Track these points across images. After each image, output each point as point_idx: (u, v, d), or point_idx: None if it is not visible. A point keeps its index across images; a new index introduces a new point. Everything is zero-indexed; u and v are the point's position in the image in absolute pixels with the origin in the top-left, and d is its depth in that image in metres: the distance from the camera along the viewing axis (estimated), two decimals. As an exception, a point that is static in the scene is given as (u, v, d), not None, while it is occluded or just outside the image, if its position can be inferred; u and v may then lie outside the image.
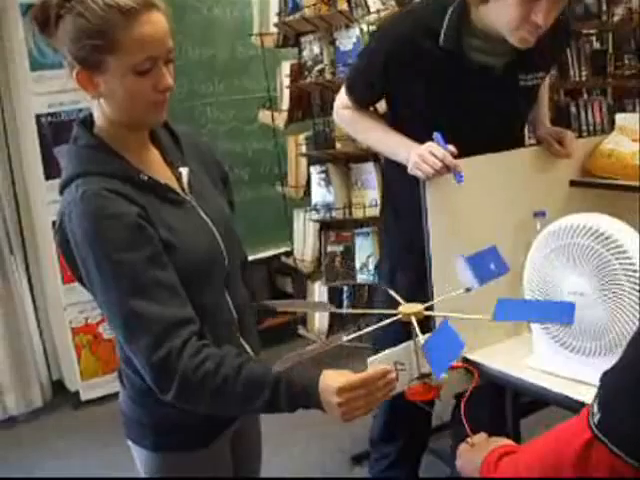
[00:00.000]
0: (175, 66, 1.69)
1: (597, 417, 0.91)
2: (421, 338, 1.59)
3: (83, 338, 4.59)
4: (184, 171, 1.81)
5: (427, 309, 1.68)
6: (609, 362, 1.92)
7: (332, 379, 1.56)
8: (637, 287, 1.84)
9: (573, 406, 1.91)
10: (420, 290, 2.19)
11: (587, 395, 1.92)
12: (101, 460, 3.89)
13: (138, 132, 1.76)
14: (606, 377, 0.96)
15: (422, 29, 2.39)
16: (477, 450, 1.43)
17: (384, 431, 3.07)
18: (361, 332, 1.67)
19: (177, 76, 1.70)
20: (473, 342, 2.06)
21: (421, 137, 2.31)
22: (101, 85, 1.63)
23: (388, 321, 1.66)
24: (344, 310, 1.49)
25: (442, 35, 2.34)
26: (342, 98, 2.65)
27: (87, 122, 1.74)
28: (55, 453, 4.08)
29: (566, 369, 2.04)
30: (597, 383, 1.93)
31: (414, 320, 1.63)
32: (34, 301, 4.69)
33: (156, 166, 1.78)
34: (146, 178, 1.70)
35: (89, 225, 1.59)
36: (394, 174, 2.62)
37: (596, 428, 0.91)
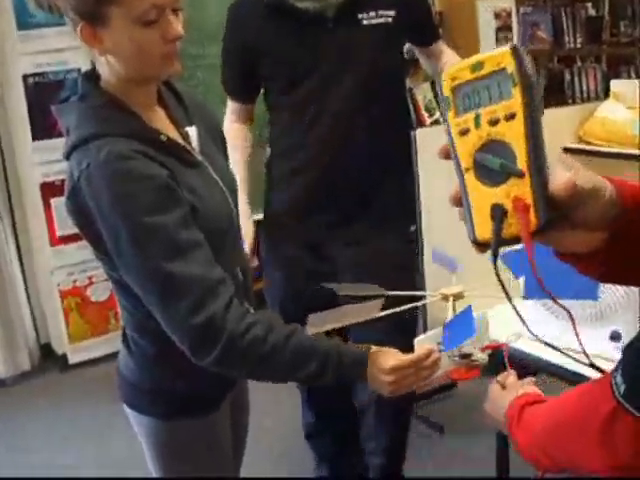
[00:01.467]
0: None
1: (622, 388, 0.91)
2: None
3: (71, 301, 4.56)
4: (192, 131, 1.75)
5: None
6: (600, 330, 1.93)
7: (383, 358, 1.59)
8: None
9: (564, 375, 1.90)
10: None
11: (578, 365, 1.92)
12: (88, 423, 3.87)
13: (148, 88, 1.68)
14: (630, 349, 0.95)
15: None
16: (504, 396, 1.41)
17: (313, 426, 3.00)
18: (396, 310, 1.65)
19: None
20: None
21: (289, 124, 2.35)
22: (106, 40, 1.55)
23: (426, 301, 1.74)
24: (387, 312, 1.48)
25: None
26: (228, 107, 2.64)
27: (92, 78, 1.66)
28: (43, 416, 4.05)
29: (558, 337, 2.02)
30: (590, 351, 1.94)
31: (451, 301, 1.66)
32: (22, 264, 4.65)
33: (164, 124, 1.71)
34: (165, 139, 1.63)
35: (117, 188, 1.52)
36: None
37: (622, 398, 0.91)
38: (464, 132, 0.81)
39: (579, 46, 5.97)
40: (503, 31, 4.81)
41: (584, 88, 5.95)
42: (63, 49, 4.05)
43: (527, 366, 2.08)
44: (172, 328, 1.57)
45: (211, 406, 1.82)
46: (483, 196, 0.79)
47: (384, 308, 1.62)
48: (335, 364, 1.57)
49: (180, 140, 1.71)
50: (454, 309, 1.64)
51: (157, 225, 1.52)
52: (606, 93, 2.69)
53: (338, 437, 2.94)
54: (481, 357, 1.66)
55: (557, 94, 5.83)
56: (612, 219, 0.84)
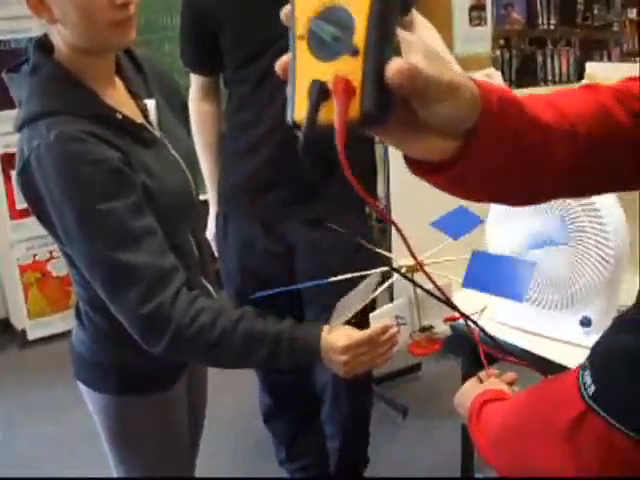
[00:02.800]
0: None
1: (592, 389, 0.84)
2: (420, 291, 1.53)
3: (31, 276, 4.47)
4: (150, 104, 1.68)
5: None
6: (571, 315, 1.91)
7: (336, 337, 1.54)
8: (603, 240, 1.79)
9: (532, 360, 1.87)
10: None
11: (548, 349, 1.89)
12: (47, 399, 3.82)
13: (104, 59, 1.60)
14: (599, 347, 0.88)
15: None
16: (472, 391, 1.36)
17: (270, 409, 2.93)
18: (352, 275, 1.59)
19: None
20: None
21: (246, 99, 2.29)
22: (53, 7, 1.46)
23: (377, 270, 1.61)
24: (345, 276, 1.42)
25: None
26: (192, 84, 2.56)
27: (44, 47, 1.56)
28: (1, 393, 3.98)
29: (526, 322, 2.00)
30: (557, 337, 1.92)
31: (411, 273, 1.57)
32: (-20, 237, 4.55)
33: (122, 98, 1.64)
34: (120, 117, 1.56)
35: (67, 172, 1.45)
36: None
37: (591, 400, 0.84)
38: None
39: (552, 28, 5.95)
40: (477, 10, 4.76)
41: (556, 70, 5.94)
42: (26, 16, 3.95)
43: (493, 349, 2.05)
44: (121, 316, 1.54)
45: (165, 384, 1.78)
46: (311, 71, 0.67)
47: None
48: (286, 347, 1.53)
49: (137, 116, 1.64)
50: (413, 281, 1.55)
51: (107, 211, 1.46)
52: (578, 76, 2.65)
53: (296, 420, 2.90)
54: (444, 329, 1.58)
55: (529, 75, 5.81)
56: (470, 125, 0.73)
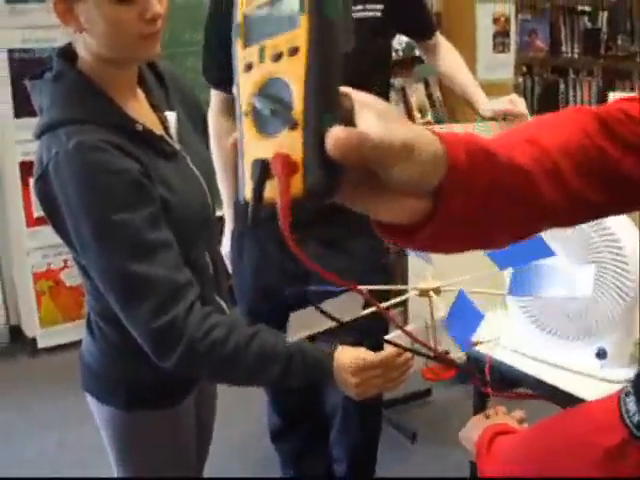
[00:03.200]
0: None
1: (637, 417, 0.82)
2: (437, 316, 1.53)
3: (44, 284, 4.48)
4: (171, 116, 1.68)
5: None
6: (587, 346, 1.88)
7: (349, 357, 1.52)
8: (621, 270, 1.77)
9: (545, 390, 1.85)
10: None
11: (561, 380, 1.87)
12: (55, 409, 3.81)
13: (127, 70, 1.60)
14: None
15: None
16: (479, 425, 1.34)
17: (279, 428, 2.91)
18: (380, 305, 1.55)
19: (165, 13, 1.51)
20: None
21: None
22: (81, 17, 1.46)
23: (403, 298, 1.58)
24: (371, 309, 1.38)
25: None
26: (212, 99, 2.56)
27: (68, 55, 1.57)
28: (9, 401, 3.97)
29: (540, 351, 1.97)
30: (572, 367, 1.89)
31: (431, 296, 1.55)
32: (-3, 243, 4.57)
33: (143, 110, 1.64)
34: (141, 128, 1.55)
35: (85, 181, 1.44)
36: None
37: (636, 428, 0.82)
38: (248, 67, 0.66)
39: (576, 57, 5.94)
40: (500, 36, 4.76)
41: (578, 100, 5.92)
42: (51, 26, 3.99)
43: (506, 378, 2.02)
44: (133, 328, 1.53)
45: (175, 399, 1.77)
46: (256, 149, 0.64)
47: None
48: (299, 366, 1.51)
49: (158, 128, 1.64)
50: (430, 305, 1.54)
51: (123, 223, 1.46)
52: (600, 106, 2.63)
53: (304, 440, 2.88)
54: (459, 355, 1.58)
55: (551, 104, 5.80)
56: (436, 183, 0.68)
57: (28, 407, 3.91)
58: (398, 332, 1.56)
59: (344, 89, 0.68)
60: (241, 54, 0.67)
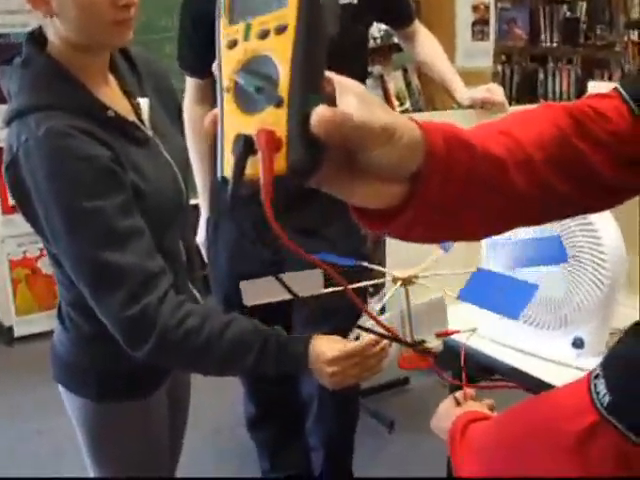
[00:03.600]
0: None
1: (607, 399, 0.82)
2: (414, 305, 1.51)
3: (20, 272, 4.45)
4: (144, 103, 1.65)
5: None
6: (563, 336, 1.88)
7: (325, 347, 1.51)
8: (599, 260, 1.77)
9: (522, 380, 1.85)
10: None
11: (538, 369, 1.87)
12: (32, 398, 3.78)
13: (98, 56, 1.57)
14: (615, 355, 0.86)
15: None
16: (451, 413, 1.33)
17: (255, 417, 2.90)
18: (337, 289, 1.55)
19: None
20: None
21: None
22: (52, 1, 1.43)
23: (375, 282, 1.62)
24: (335, 289, 1.37)
25: None
26: (187, 87, 2.54)
27: (38, 40, 1.54)
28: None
29: (517, 340, 1.97)
30: (548, 357, 1.90)
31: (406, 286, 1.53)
32: (-29, 231, 4.52)
33: (115, 97, 1.62)
34: (113, 114, 1.53)
35: (55, 168, 1.42)
36: None
37: (605, 410, 0.82)
38: (232, 44, 0.66)
39: (555, 46, 5.95)
40: (479, 24, 4.75)
41: (557, 88, 5.93)
42: (29, 11, 3.95)
43: (483, 366, 2.02)
44: (105, 317, 1.51)
45: (147, 390, 1.75)
46: (237, 125, 0.64)
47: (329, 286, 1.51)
48: (273, 355, 1.50)
49: (130, 114, 1.62)
50: (407, 294, 1.53)
51: (94, 210, 1.44)
52: (578, 95, 2.64)
53: (281, 430, 2.87)
54: (435, 344, 1.54)
55: (529, 92, 5.81)
56: (414, 169, 0.70)
57: (5, 396, 3.89)
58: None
59: (326, 73, 0.69)
60: (225, 31, 0.67)
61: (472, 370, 1.89)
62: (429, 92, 4.49)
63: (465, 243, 1.15)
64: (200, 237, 2.60)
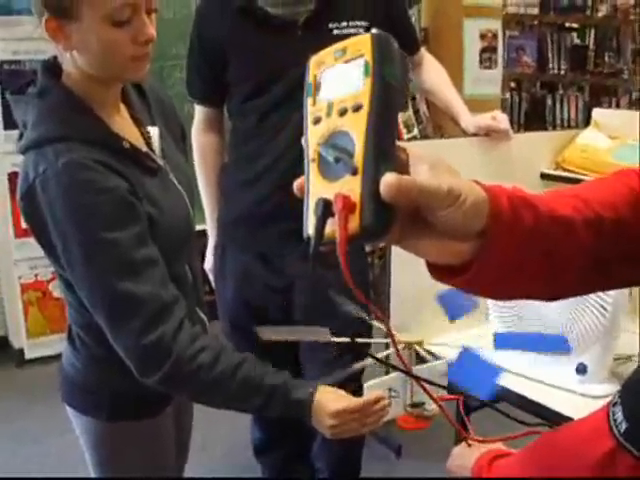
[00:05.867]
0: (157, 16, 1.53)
1: (623, 426, 0.84)
2: (416, 368, 1.58)
3: (32, 295, 4.47)
4: (154, 131, 1.68)
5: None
6: (567, 362, 1.90)
7: (328, 400, 1.55)
8: (602, 288, 1.79)
9: (526, 405, 1.86)
10: None
11: (542, 395, 1.88)
12: (41, 421, 3.79)
13: (113, 87, 1.61)
14: (632, 383, 0.88)
15: None
16: (469, 453, 1.36)
17: (262, 443, 2.91)
18: (344, 340, 1.60)
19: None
20: (426, 332, 1.99)
21: (251, 131, 2.30)
22: (73, 36, 1.46)
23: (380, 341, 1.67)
24: (342, 339, 1.44)
25: None
26: (196, 115, 2.57)
27: (52, 69, 1.57)
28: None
29: (521, 367, 1.98)
30: (552, 383, 1.91)
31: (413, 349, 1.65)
32: (-17, 254, 4.55)
33: (127, 126, 1.65)
34: (128, 146, 1.56)
35: (74, 200, 1.45)
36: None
37: (622, 437, 0.84)
38: (317, 121, 0.76)
39: (563, 73, 5.98)
40: (487, 52, 4.79)
41: (565, 115, 5.96)
42: (42, 38, 3.99)
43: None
44: (120, 345, 1.54)
45: (155, 409, 1.78)
46: (320, 190, 0.73)
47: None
48: (280, 402, 1.55)
49: (141, 143, 1.65)
50: (411, 357, 1.63)
51: (112, 241, 1.47)
52: (586, 122, 2.66)
53: (287, 455, 2.88)
54: (434, 408, 1.60)
55: (538, 119, 5.84)
56: (479, 228, 0.76)
57: (15, 418, 3.90)
58: (378, 380, 1.61)
59: (402, 144, 0.77)
60: (311, 109, 0.77)
61: (476, 397, 1.91)
62: (437, 120, 4.52)
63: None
64: (208, 263, 2.62)
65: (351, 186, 0.70)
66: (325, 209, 0.71)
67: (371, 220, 0.70)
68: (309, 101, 0.77)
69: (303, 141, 0.77)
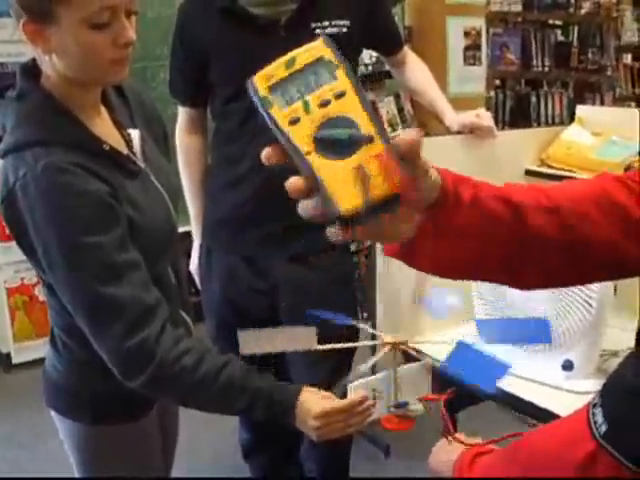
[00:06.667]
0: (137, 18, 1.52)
1: (603, 428, 0.84)
2: (400, 368, 1.59)
3: (18, 299, 4.46)
4: (134, 134, 1.67)
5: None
6: (553, 358, 1.90)
7: (312, 402, 1.56)
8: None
9: (513, 403, 1.86)
10: None
11: (528, 392, 1.88)
12: (29, 425, 3.78)
13: (93, 90, 1.59)
14: (611, 386, 0.88)
15: None
16: (453, 448, 1.36)
17: (250, 445, 2.90)
18: (335, 346, 1.61)
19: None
20: (414, 330, 1.99)
21: (234, 132, 2.29)
22: (52, 39, 1.44)
23: (365, 344, 1.68)
24: (328, 346, 1.44)
25: None
26: (179, 116, 2.57)
27: (31, 72, 1.55)
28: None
29: (514, 365, 1.98)
30: (538, 379, 1.91)
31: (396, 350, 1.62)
32: (-33, 258, 4.53)
33: (108, 129, 1.63)
34: (108, 148, 1.55)
35: (54, 204, 1.44)
36: None
37: (603, 439, 0.84)
38: (294, 121, 0.79)
39: (547, 70, 6.00)
40: (471, 49, 4.79)
41: (549, 112, 5.98)
42: (23, 41, 3.97)
43: (472, 390, 2.04)
44: (103, 349, 1.53)
45: (140, 411, 1.77)
46: (335, 170, 0.77)
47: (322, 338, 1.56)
48: (264, 404, 1.55)
49: (122, 146, 1.64)
50: (395, 358, 1.61)
51: (93, 245, 1.46)
52: (571, 119, 2.67)
53: (276, 456, 2.87)
54: (417, 408, 1.62)
55: (522, 116, 5.85)
56: (431, 204, 0.84)
57: (2, 422, 3.89)
58: (362, 380, 1.61)
59: None
60: (281, 114, 0.80)
61: (462, 394, 1.91)
62: (421, 118, 4.52)
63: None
64: (193, 265, 2.62)
65: (374, 151, 0.76)
66: (365, 177, 0.76)
67: (404, 171, 0.76)
68: (273, 110, 0.80)
69: (286, 148, 0.79)
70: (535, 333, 1.57)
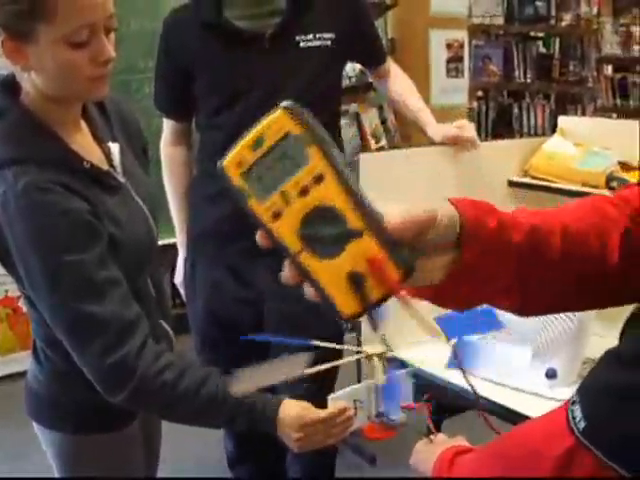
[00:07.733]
0: (116, 35, 1.51)
1: (582, 424, 0.85)
2: (381, 377, 1.61)
3: (2, 312, 4.44)
4: (114, 147, 1.67)
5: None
6: (537, 366, 1.91)
7: (294, 413, 1.56)
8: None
9: (496, 411, 1.87)
10: None
11: (512, 400, 1.89)
12: (14, 438, 3.75)
13: (73, 106, 1.59)
14: (590, 382, 0.90)
15: (184, 9, 2.36)
16: (433, 448, 1.36)
17: (235, 455, 2.89)
18: (321, 367, 1.59)
19: (115, 48, 1.50)
20: (398, 340, 2.00)
21: (219, 145, 2.25)
22: (31, 57, 1.44)
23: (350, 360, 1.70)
24: (316, 369, 1.44)
25: (202, 9, 2.27)
26: (164, 128, 2.57)
27: (10, 87, 1.54)
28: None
29: (491, 372, 1.99)
30: (522, 387, 1.92)
31: (377, 361, 1.64)
32: (-48, 271, 4.50)
33: (88, 144, 1.63)
34: (88, 166, 1.55)
35: (35, 223, 1.44)
36: None
37: (581, 435, 0.86)
38: (277, 215, 0.74)
39: (529, 82, 6.05)
40: (454, 61, 4.83)
41: (532, 123, 6.02)
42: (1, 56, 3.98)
43: (457, 398, 2.05)
44: (82, 364, 1.54)
45: (123, 421, 1.76)
46: (330, 271, 0.73)
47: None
48: (245, 417, 1.56)
49: (102, 161, 1.63)
50: (374, 369, 1.63)
51: (73, 263, 1.46)
52: (553, 130, 2.69)
53: (261, 466, 2.87)
54: (399, 417, 1.64)
55: (505, 128, 5.89)
56: (455, 240, 0.84)
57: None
58: (343, 391, 1.62)
59: None
60: (261, 209, 0.74)
61: (446, 403, 1.92)
62: (405, 129, 4.54)
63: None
64: (178, 277, 2.61)
65: (364, 246, 0.72)
66: (361, 280, 0.73)
67: (406, 263, 0.74)
68: (252, 203, 0.74)
69: (268, 243, 0.76)
70: (486, 321, 1.60)
